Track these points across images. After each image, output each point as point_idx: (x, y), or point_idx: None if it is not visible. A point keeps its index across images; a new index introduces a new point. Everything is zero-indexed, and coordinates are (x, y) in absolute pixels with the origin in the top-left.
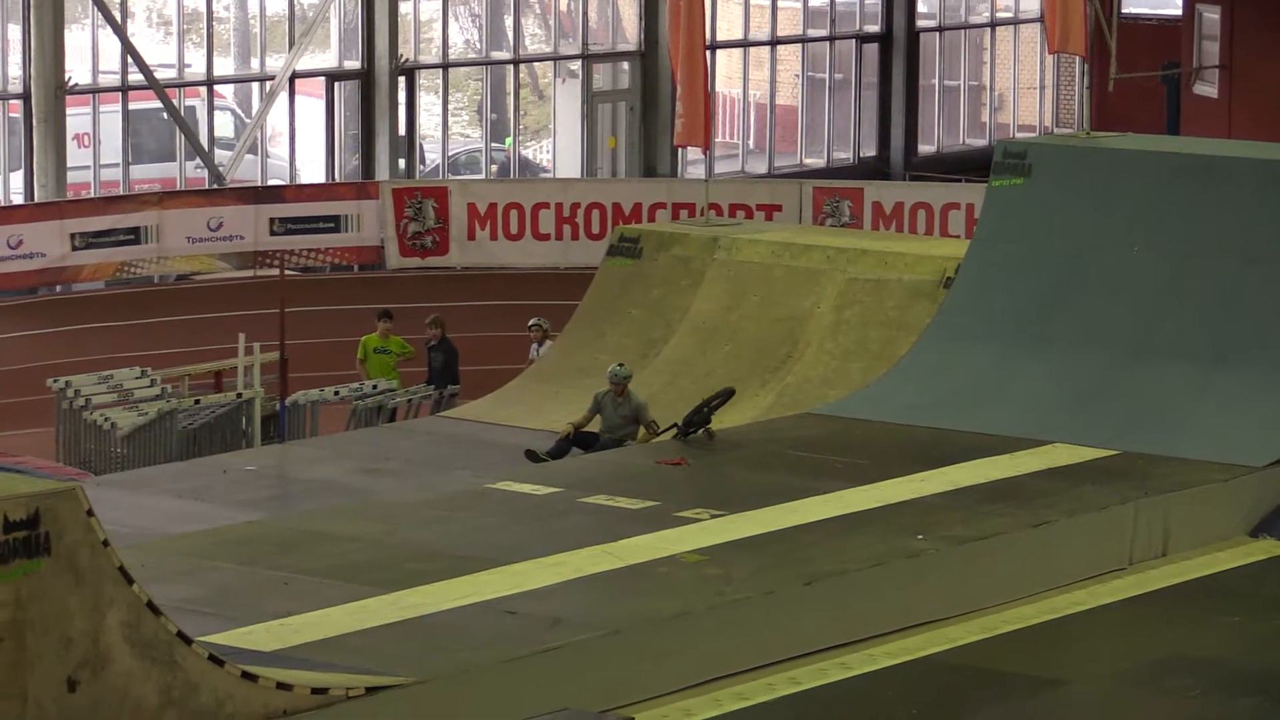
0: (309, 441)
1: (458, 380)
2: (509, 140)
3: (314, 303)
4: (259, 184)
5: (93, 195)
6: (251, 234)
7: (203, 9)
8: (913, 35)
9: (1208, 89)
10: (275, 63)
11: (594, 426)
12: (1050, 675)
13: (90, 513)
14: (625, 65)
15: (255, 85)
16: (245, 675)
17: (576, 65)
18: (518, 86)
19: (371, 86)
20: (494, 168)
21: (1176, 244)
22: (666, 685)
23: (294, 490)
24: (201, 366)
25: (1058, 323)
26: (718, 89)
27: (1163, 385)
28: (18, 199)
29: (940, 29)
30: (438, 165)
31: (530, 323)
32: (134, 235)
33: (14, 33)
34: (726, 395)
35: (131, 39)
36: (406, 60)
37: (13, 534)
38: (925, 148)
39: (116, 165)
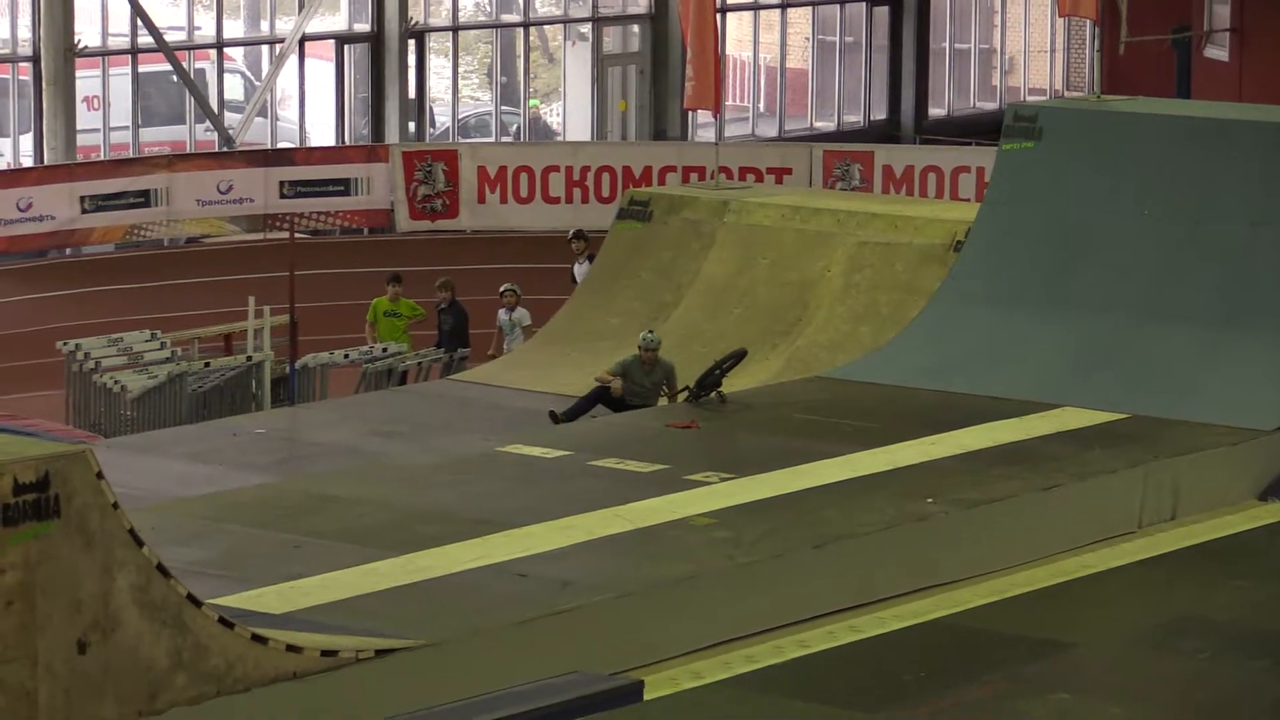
0: (319, 405)
1: (468, 343)
2: (534, 101)
3: (324, 266)
4: (269, 147)
5: (102, 158)
6: (261, 197)
7: None
8: None
9: (1218, 52)
10: (285, 25)
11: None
12: (1059, 638)
13: (100, 475)
14: (635, 28)
15: (265, 48)
16: (255, 638)
17: (586, 28)
18: (528, 49)
19: (381, 49)
20: (512, 128)
21: (1187, 207)
22: (676, 648)
23: (304, 453)
24: (211, 329)
25: (1068, 286)
26: (728, 52)
27: (1173, 348)
28: (27, 161)
29: None
30: (448, 128)
31: (502, 289)
32: (144, 198)
33: None
34: (739, 357)
35: (141, 1)
36: (416, 23)
37: (22, 496)
38: (936, 111)
39: (126, 128)
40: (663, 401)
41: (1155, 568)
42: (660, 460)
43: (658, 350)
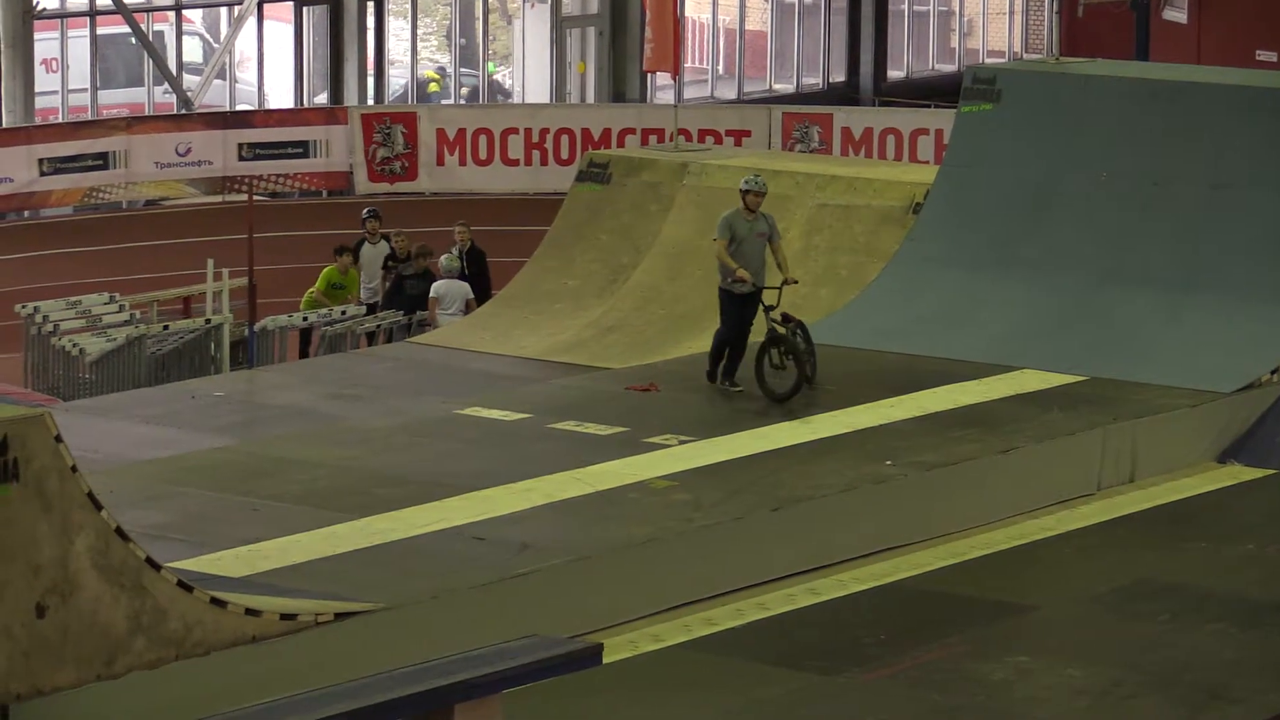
0: (277, 367)
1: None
2: (492, 66)
3: (282, 228)
4: (227, 109)
5: (61, 120)
6: (220, 159)
7: None
8: None
9: (1176, 14)
10: None
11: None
12: (1018, 600)
13: (58, 439)
14: None
15: (223, 10)
16: (214, 601)
17: None
18: (486, 11)
19: (340, 11)
20: (464, 92)
21: (1145, 170)
22: (635, 611)
23: (262, 416)
24: (170, 292)
25: (1026, 249)
26: (687, 14)
27: (1131, 311)
28: None
29: None
30: (407, 90)
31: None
32: (102, 160)
33: None
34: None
35: None
36: None
37: None
38: (894, 73)
39: (85, 90)
40: (776, 281)
41: (1114, 530)
42: (619, 423)
43: (764, 193)
